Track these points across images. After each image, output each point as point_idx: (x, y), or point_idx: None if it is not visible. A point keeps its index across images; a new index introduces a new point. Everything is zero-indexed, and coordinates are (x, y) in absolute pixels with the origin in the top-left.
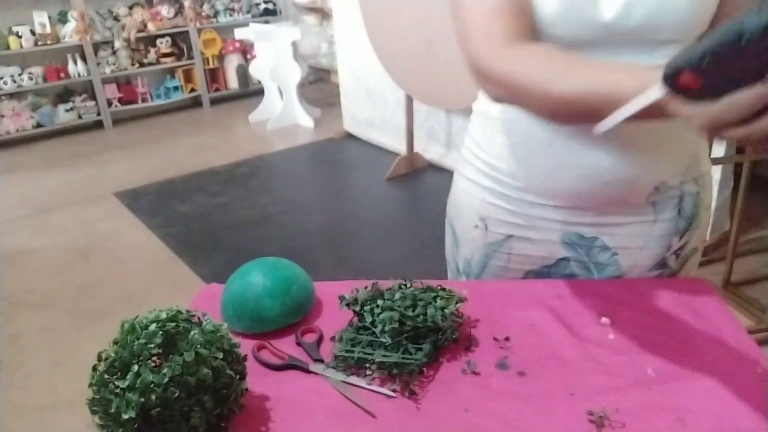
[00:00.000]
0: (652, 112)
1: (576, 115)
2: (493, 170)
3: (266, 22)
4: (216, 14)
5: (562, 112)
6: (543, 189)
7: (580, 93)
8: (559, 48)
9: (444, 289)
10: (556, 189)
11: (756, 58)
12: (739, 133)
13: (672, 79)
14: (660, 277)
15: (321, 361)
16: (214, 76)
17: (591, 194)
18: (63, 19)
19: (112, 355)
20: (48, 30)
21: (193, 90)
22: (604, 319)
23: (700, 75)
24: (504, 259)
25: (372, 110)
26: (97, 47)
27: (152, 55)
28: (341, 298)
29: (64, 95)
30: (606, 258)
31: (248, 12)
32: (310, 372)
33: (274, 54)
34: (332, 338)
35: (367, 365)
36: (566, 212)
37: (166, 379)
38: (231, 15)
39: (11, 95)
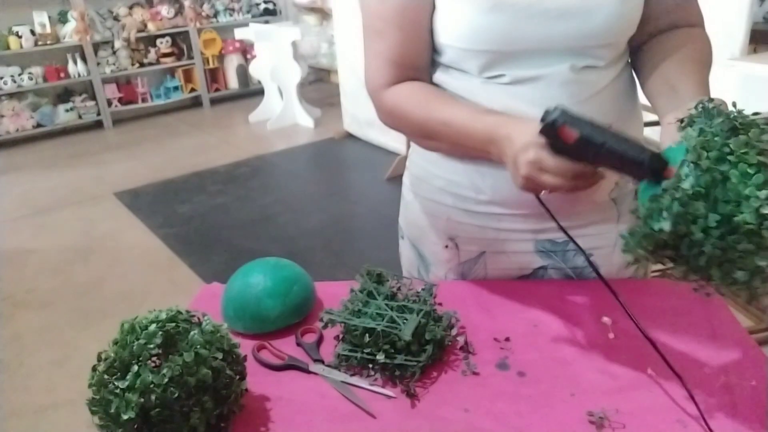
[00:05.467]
0: (478, 149)
1: (441, 138)
2: (454, 186)
3: (266, 22)
4: (216, 14)
5: (432, 136)
6: (510, 198)
7: (447, 121)
8: (426, 86)
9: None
10: (523, 196)
11: (620, 161)
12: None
13: (553, 125)
14: (637, 273)
15: (321, 361)
16: (214, 76)
17: (559, 195)
18: (63, 19)
19: (112, 355)
20: (48, 30)
21: (193, 90)
22: (605, 319)
23: (580, 137)
24: (480, 274)
25: (372, 110)
26: (97, 47)
27: (152, 55)
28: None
29: (64, 95)
30: (582, 261)
31: (248, 12)
32: (310, 372)
33: (274, 54)
34: (336, 337)
35: (370, 366)
36: (535, 220)
37: (166, 380)
38: (231, 15)
39: (11, 95)
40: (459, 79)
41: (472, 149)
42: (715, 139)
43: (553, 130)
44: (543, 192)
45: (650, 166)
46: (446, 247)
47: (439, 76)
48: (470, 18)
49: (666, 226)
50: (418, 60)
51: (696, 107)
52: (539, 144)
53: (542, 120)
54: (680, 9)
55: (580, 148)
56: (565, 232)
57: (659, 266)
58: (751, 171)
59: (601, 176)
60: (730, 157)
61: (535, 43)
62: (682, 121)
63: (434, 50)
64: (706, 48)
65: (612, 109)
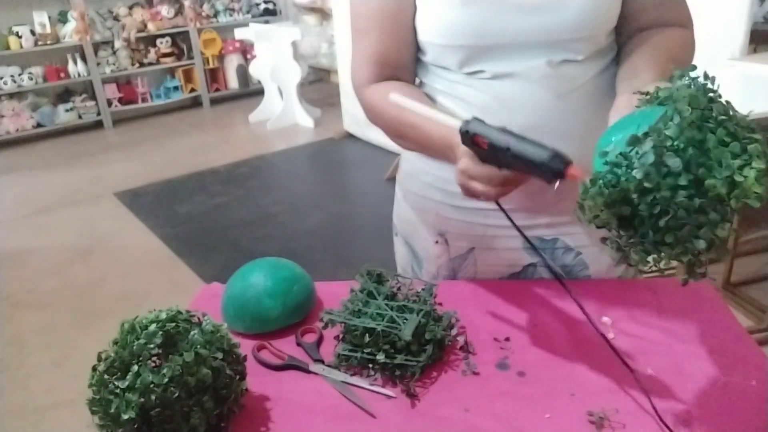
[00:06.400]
0: (439, 154)
1: (409, 139)
2: (442, 182)
3: (266, 22)
4: (216, 14)
5: (403, 136)
6: None
7: (414, 124)
8: (407, 86)
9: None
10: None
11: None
12: (479, 194)
13: (467, 135)
14: (627, 272)
15: (321, 361)
16: (214, 76)
17: (543, 191)
18: (63, 19)
19: (112, 355)
20: (48, 30)
21: (193, 90)
22: (605, 319)
23: (489, 144)
24: (471, 271)
25: None
26: (97, 47)
27: (152, 55)
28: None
29: (64, 95)
30: (571, 259)
31: (248, 12)
32: (310, 372)
33: (274, 54)
34: (336, 337)
35: (370, 366)
36: (522, 216)
37: (166, 380)
38: (231, 15)
39: (11, 95)
40: (442, 77)
41: (434, 153)
42: (701, 98)
43: (469, 139)
44: (481, 199)
45: (552, 164)
46: (436, 242)
47: (423, 76)
48: (444, 13)
49: (638, 174)
50: (399, 59)
51: (671, 80)
52: (468, 154)
53: (459, 131)
54: (661, 7)
55: (494, 154)
56: (521, 232)
57: (656, 266)
58: (727, 139)
59: (524, 179)
60: (710, 121)
61: (510, 37)
62: (646, 93)
63: (419, 50)
64: (682, 46)
65: (596, 106)
